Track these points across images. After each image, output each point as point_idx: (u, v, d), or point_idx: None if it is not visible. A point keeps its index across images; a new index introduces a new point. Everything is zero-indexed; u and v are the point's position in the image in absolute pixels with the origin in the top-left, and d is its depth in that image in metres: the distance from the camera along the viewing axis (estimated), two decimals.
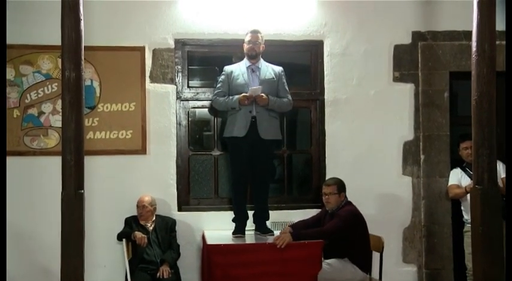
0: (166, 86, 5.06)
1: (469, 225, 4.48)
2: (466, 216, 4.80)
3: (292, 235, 4.28)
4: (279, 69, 4.81)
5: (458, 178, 4.93)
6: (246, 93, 4.57)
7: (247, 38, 4.74)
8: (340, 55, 5.21)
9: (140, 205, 4.74)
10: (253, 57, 4.73)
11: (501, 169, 4.42)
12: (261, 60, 4.80)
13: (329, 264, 4.34)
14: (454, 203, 5.14)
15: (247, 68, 4.74)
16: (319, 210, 4.81)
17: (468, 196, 4.50)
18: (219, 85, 4.79)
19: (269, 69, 4.77)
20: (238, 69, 4.75)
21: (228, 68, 4.80)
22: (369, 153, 5.17)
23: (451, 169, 5.10)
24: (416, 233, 5.20)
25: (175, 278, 4.64)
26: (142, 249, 4.59)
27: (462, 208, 4.94)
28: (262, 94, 4.56)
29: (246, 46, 4.74)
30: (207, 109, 5.20)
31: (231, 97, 4.65)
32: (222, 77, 4.79)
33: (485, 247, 3.31)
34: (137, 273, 4.54)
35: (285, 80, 4.80)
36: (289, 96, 4.78)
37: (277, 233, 4.65)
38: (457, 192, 4.90)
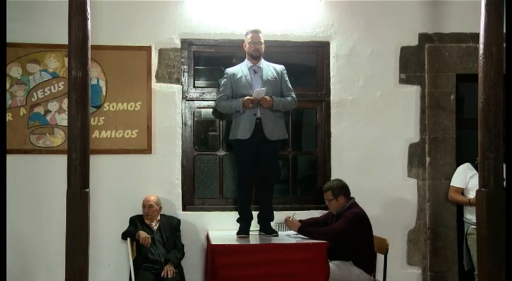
0: (172, 85, 5.07)
1: (473, 226, 4.47)
2: (470, 216, 4.76)
3: (299, 227, 4.41)
4: (280, 67, 4.78)
5: (464, 178, 4.88)
6: (250, 95, 4.55)
7: (248, 39, 4.71)
8: (347, 56, 5.20)
9: (147, 205, 4.74)
10: (257, 57, 4.72)
11: None
12: (262, 60, 4.77)
13: (336, 265, 4.35)
14: (459, 206, 5.11)
15: (249, 69, 4.72)
16: (324, 211, 4.81)
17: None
18: (222, 88, 4.77)
19: (271, 69, 4.74)
20: (240, 71, 4.72)
21: (229, 71, 4.78)
22: (374, 155, 5.17)
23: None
24: (421, 235, 5.19)
25: (179, 277, 4.64)
26: (146, 248, 4.59)
27: (465, 208, 4.91)
28: (266, 97, 4.55)
29: (248, 46, 4.71)
30: (211, 110, 5.20)
31: (234, 100, 4.64)
32: (225, 80, 4.76)
33: (491, 250, 3.29)
34: (141, 272, 4.55)
35: (287, 78, 4.77)
36: (293, 94, 4.74)
37: (281, 234, 4.67)
38: (458, 199, 4.90)
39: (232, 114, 4.71)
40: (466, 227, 4.89)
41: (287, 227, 4.71)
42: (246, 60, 4.77)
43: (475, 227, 4.04)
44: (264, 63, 4.76)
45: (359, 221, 4.41)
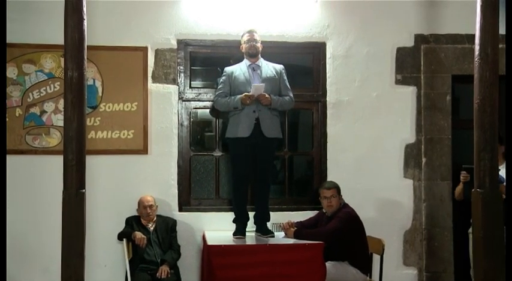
0: (168, 86, 5.06)
1: None
2: None
3: (294, 232, 4.42)
4: (279, 67, 4.80)
5: None
6: (248, 92, 4.55)
7: (244, 38, 4.74)
8: (343, 57, 5.21)
9: (147, 205, 4.72)
10: (254, 55, 4.72)
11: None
12: (261, 59, 4.78)
13: (332, 265, 4.35)
14: (455, 206, 5.12)
15: (248, 66, 4.73)
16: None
17: None
18: (220, 86, 4.77)
19: (270, 68, 4.76)
20: (239, 69, 4.74)
21: (228, 69, 4.79)
22: (370, 155, 5.17)
23: (453, 172, 5.07)
24: (417, 236, 5.20)
25: (176, 278, 4.64)
26: (142, 249, 4.58)
27: None
28: (265, 93, 4.55)
29: (245, 46, 4.73)
30: (208, 110, 5.20)
31: (233, 97, 4.64)
32: (223, 77, 4.78)
33: (486, 251, 3.30)
34: (137, 273, 4.54)
35: (286, 78, 4.78)
36: (291, 94, 4.76)
37: (277, 234, 4.67)
38: None
39: (230, 112, 4.70)
40: None
41: (283, 231, 4.68)
42: (244, 59, 4.78)
43: None
44: (263, 62, 4.77)
45: (352, 220, 4.44)
